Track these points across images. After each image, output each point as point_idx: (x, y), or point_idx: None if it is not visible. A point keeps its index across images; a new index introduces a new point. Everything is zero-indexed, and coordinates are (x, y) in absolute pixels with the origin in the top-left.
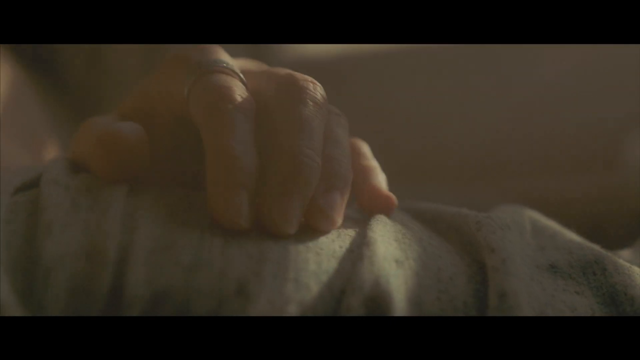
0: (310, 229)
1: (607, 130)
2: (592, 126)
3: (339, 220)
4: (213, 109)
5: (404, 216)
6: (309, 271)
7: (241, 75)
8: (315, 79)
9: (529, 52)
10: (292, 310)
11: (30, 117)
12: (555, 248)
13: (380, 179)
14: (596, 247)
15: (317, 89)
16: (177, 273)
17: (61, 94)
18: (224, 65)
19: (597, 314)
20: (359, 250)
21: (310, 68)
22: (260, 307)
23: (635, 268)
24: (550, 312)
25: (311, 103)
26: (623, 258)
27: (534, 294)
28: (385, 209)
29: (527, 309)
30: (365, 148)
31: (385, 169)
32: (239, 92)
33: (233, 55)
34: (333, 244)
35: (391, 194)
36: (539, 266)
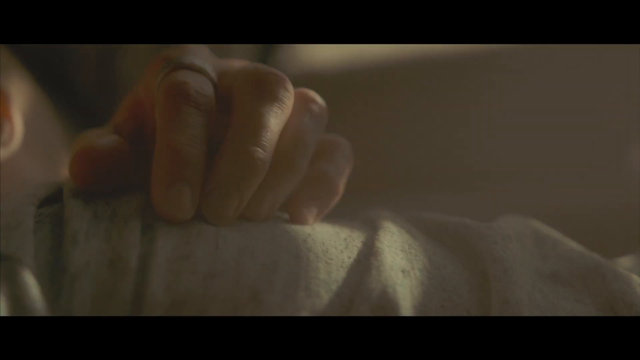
0: (320, 239)
1: (609, 138)
2: (594, 134)
3: (261, 216)
4: (167, 104)
5: (410, 226)
6: (320, 280)
7: (210, 73)
8: (321, 88)
9: (530, 58)
10: (304, 314)
11: (45, 131)
12: (556, 257)
13: (331, 178)
14: (596, 256)
15: (278, 81)
16: (194, 281)
17: (72, 106)
18: (190, 62)
19: None
20: (367, 261)
21: (316, 78)
22: (272, 314)
23: (633, 276)
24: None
25: (269, 96)
26: (624, 265)
27: (536, 302)
28: (295, 221)
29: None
30: (338, 149)
31: (387, 177)
32: (198, 88)
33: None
34: (342, 254)
35: (304, 214)
36: (541, 274)
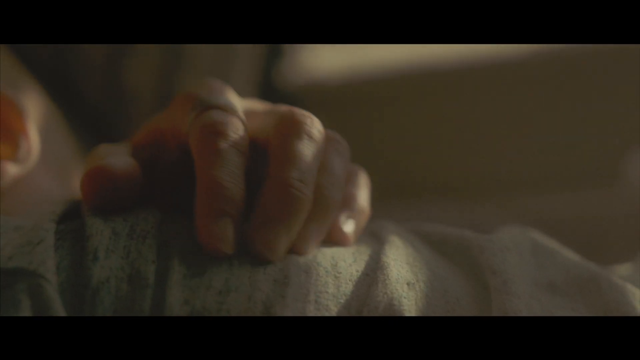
0: (329, 254)
1: (607, 148)
2: (593, 144)
3: (309, 249)
4: (206, 143)
5: (413, 238)
6: (329, 294)
7: (239, 113)
8: (322, 101)
9: (530, 69)
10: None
11: (58, 144)
12: (553, 267)
13: (360, 202)
14: (592, 265)
15: (313, 123)
16: (210, 296)
17: (79, 115)
18: (223, 102)
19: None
20: (373, 274)
21: (318, 90)
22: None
23: (628, 285)
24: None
25: (306, 136)
26: (622, 273)
27: (533, 311)
28: (339, 243)
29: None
30: (360, 177)
31: (389, 188)
32: (233, 128)
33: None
34: (350, 267)
35: (346, 235)
36: (538, 284)
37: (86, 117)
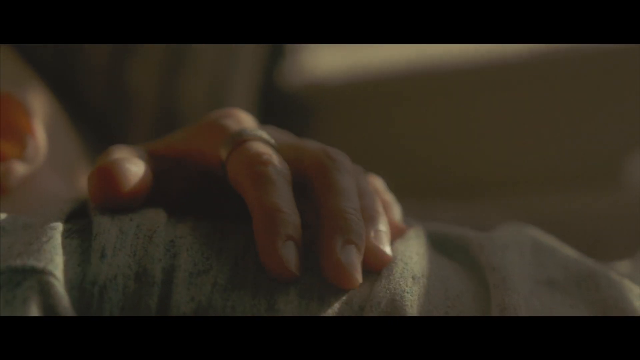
0: None
1: (609, 149)
2: (594, 144)
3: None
4: (257, 173)
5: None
6: (332, 290)
7: (274, 144)
8: (323, 101)
9: (531, 70)
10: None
11: (63, 143)
12: (553, 264)
13: (394, 212)
14: (591, 262)
15: (346, 159)
16: (215, 293)
17: (83, 117)
18: (260, 135)
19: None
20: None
21: (319, 91)
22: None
23: (626, 282)
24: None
25: (344, 171)
26: (622, 270)
27: (533, 308)
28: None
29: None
30: (379, 183)
31: (389, 188)
32: (277, 158)
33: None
34: None
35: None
36: (538, 282)
37: (89, 117)
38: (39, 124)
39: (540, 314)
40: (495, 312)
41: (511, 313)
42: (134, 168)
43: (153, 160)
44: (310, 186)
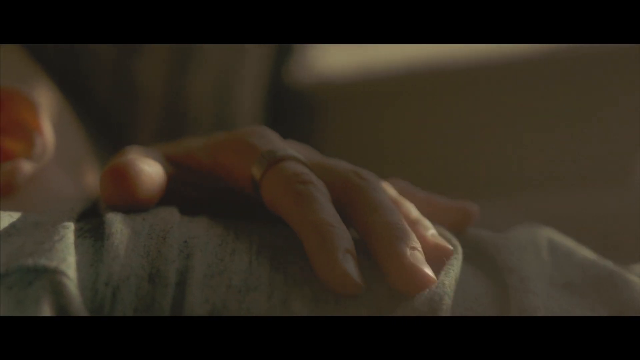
0: None
1: (620, 147)
2: (604, 143)
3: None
4: (299, 191)
5: None
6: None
7: (307, 163)
8: (331, 98)
9: (541, 67)
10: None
11: (71, 140)
12: (569, 266)
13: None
14: (608, 264)
15: (376, 178)
16: (230, 294)
17: (89, 113)
18: (292, 154)
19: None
20: None
21: (327, 88)
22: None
23: None
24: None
25: (379, 189)
26: (638, 271)
27: (552, 310)
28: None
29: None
30: (407, 185)
31: None
32: (314, 177)
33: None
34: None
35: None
36: (555, 284)
37: (96, 114)
38: (47, 121)
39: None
40: (514, 315)
41: (531, 314)
42: (148, 169)
43: (169, 165)
44: (350, 206)
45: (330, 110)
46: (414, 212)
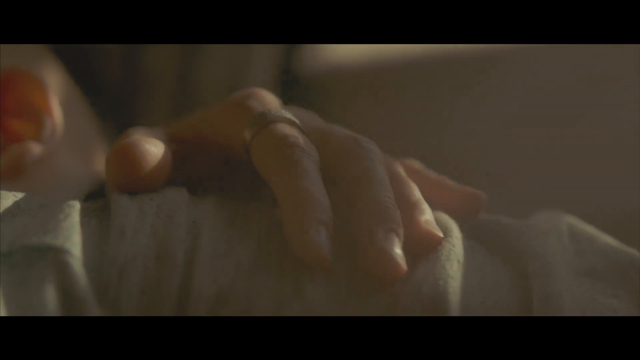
0: None
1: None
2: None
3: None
4: (284, 156)
5: None
6: (360, 275)
7: (301, 126)
8: (344, 87)
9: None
10: (348, 312)
11: (79, 122)
12: (592, 252)
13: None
14: (632, 250)
15: (376, 147)
16: (238, 275)
17: (98, 98)
18: (285, 116)
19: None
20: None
21: (337, 77)
22: (315, 309)
23: None
24: (591, 315)
25: (376, 160)
26: None
27: (575, 297)
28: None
29: (569, 312)
30: (417, 164)
31: None
32: (304, 140)
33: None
34: None
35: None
36: (578, 270)
37: (105, 99)
38: (56, 102)
39: (582, 302)
40: (537, 301)
41: (554, 302)
42: (153, 149)
43: (174, 143)
44: (341, 174)
45: (340, 96)
46: (416, 194)
